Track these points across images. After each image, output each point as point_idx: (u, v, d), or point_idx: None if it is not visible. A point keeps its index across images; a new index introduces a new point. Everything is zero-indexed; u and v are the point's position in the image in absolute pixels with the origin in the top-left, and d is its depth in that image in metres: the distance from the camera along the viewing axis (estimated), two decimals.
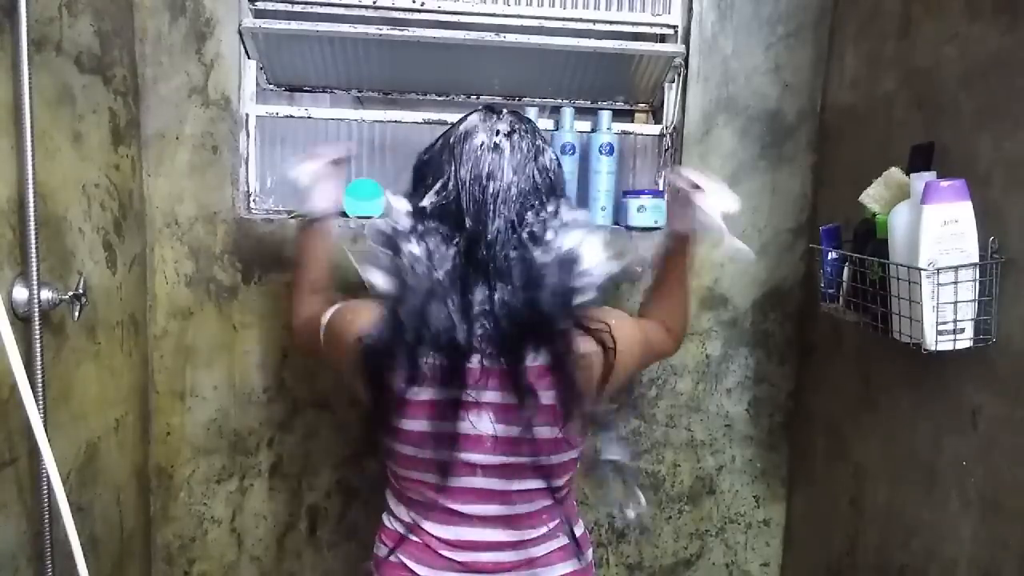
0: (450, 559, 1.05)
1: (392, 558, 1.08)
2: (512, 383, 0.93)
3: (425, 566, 1.05)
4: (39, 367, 1.01)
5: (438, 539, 1.05)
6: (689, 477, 1.68)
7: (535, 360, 0.94)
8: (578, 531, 1.13)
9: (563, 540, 1.09)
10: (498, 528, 1.04)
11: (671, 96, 1.61)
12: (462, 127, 0.98)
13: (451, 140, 0.98)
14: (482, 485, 1.01)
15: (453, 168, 0.95)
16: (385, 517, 1.11)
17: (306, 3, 1.50)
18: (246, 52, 1.49)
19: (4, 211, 0.98)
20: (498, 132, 0.96)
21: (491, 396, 0.96)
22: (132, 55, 1.38)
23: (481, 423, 0.96)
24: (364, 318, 0.95)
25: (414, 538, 1.06)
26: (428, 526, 1.05)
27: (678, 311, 1.20)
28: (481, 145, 0.95)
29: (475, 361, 0.93)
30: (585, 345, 0.95)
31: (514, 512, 1.04)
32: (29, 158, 0.98)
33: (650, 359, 1.15)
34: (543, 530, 1.07)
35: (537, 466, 1.00)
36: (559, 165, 1.03)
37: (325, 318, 1.03)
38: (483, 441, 0.97)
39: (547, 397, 0.95)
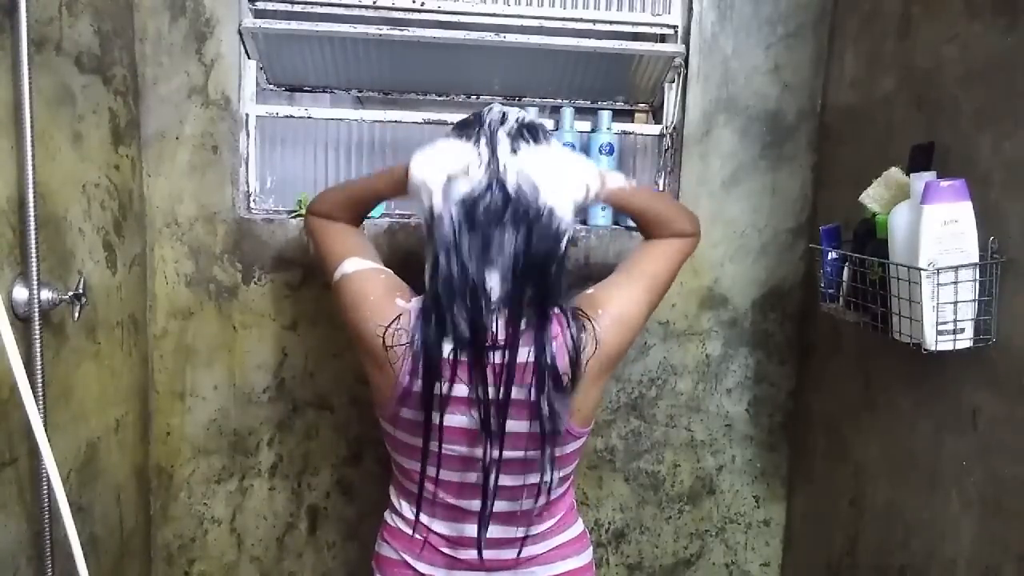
0: (452, 556, 1.05)
1: (394, 555, 1.08)
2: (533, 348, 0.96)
3: (426, 563, 1.06)
4: (39, 367, 1.01)
5: (440, 536, 1.05)
6: (689, 477, 1.68)
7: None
8: (577, 529, 1.13)
9: (563, 538, 1.10)
10: (499, 525, 1.04)
11: (671, 96, 1.61)
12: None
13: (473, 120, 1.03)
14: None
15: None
16: (387, 514, 1.12)
17: (306, 3, 1.50)
18: (246, 52, 1.49)
19: (4, 211, 0.98)
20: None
21: (493, 391, 0.96)
22: (132, 55, 1.38)
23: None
24: (381, 309, 1.00)
25: (416, 535, 1.06)
26: (431, 523, 1.05)
27: (670, 220, 1.16)
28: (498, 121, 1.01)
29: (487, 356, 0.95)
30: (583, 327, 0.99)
31: (515, 509, 1.04)
32: (29, 158, 0.98)
33: (668, 277, 1.13)
34: (543, 527, 1.07)
35: (540, 460, 1.00)
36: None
37: (340, 273, 1.06)
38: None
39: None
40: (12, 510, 1.01)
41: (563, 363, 0.96)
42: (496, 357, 0.96)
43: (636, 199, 1.14)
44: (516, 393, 0.96)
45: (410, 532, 1.07)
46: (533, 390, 0.95)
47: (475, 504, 1.02)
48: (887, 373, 1.32)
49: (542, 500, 1.05)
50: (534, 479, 1.03)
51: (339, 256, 1.08)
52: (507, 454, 0.99)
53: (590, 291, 1.07)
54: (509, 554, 1.06)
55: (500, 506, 1.03)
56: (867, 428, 1.38)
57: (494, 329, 0.96)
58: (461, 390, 0.96)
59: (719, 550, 1.72)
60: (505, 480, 1.02)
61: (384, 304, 1.00)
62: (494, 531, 1.04)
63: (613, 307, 1.03)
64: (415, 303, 1.00)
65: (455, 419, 0.98)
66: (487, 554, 1.04)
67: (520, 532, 1.05)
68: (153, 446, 1.51)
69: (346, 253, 1.08)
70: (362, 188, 1.14)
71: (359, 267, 1.06)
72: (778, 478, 1.71)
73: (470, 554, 1.05)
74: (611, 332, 1.01)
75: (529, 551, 1.06)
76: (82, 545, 0.92)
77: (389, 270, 1.07)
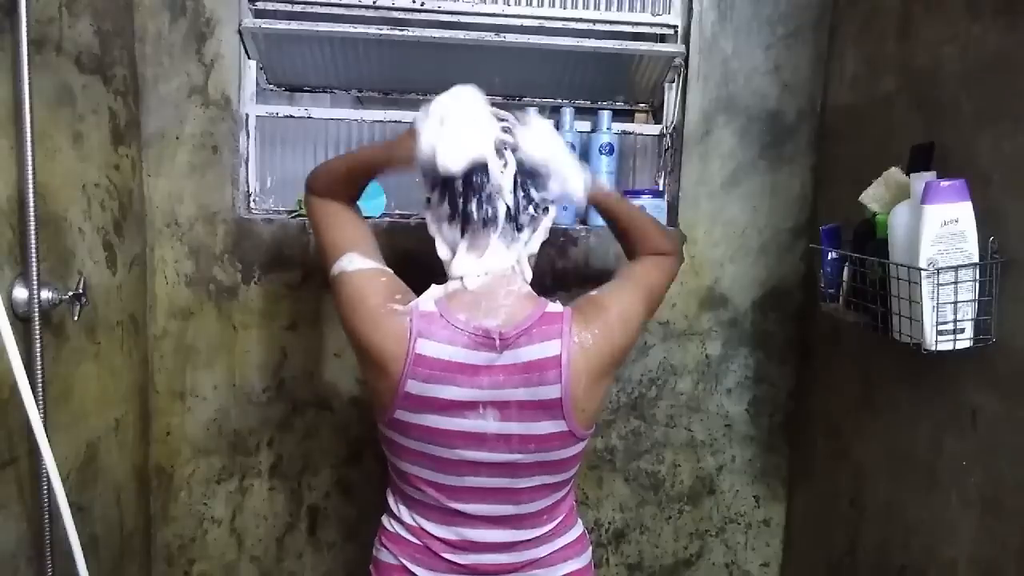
0: (451, 562, 1.04)
1: (392, 560, 1.07)
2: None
3: (425, 568, 1.05)
4: (39, 367, 1.01)
5: (440, 540, 1.05)
6: (689, 477, 1.68)
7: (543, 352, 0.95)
8: (577, 531, 1.13)
9: (564, 540, 1.09)
10: (500, 529, 1.04)
11: (671, 96, 1.61)
12: None
13: None
14: (486, 484, 1.01)
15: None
16: (385, 519, 1.11)
17: (306, 3, 1.50)
18: (246, 52, 1.49)
19: (4, 211, 0.98)
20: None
21: (495, 394, 0.96)
22: (132, 55, 1.38)
23: (486, 420, 0.97)
24: (380, 315, 0.99)
25: (415, 540, 1.06)
26: (430, 527, 1.05)
27: (651, 234, 1.16)
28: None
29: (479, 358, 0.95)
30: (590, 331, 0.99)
31: (517, 512, 1.04)
32: (29, 158, 0.98)
33: (662, 290, 1.14)
34: (545, 530, 1.07)
35: (542, 463, 1.00)
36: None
37: (338, 268, 1.04)
38: (486, 439, 0.98)
39: (553, 391, 0.96)
40: (12, 510, 1.01)
41: (566, 359, 0.96)
42: (504, 359, 0.95)
43: (623, 206, 1.16)
44: (521, 395, 0.96)
45: (409, 537, 1.06)
46: (538, 389, 0.95)
47: (475, 508, 1.02)
48: (887, 373, 1.32)
49: (544, 503, 1.05)
50: (535, 481, 1.02)
51: (340, 249, 1.05)
52: (507, 456, 0.99)
53: (593, 293, 1.06)
54: (510, 558, 1.05)
55: (502, 509, 1.03)
56: (867, 428, 1.38)
57: (496, 329, 0.96)
58: (463, 393, 0.96)
59: (719, 550, 1.72)
60: (503, 482, 1.01)
61: (382, 309, 0.98)
62: (495, 535, 1.04)
63: (619, 307, 1.03)
64: (415, 305, 0.99)
65: (455, 422, 0.97)
66: (488, 558, 1.03)
67: (523, 536, 1.05)
68: (153, 446, 1.51)
69: (347, 247, 1.05)
70: (364, 162, 1.10)
71: (359, 267, 1.03)
72: (778, 478, 1.71)
73: (470, 559, 1.04)
74: (618, 331, 1.01)
75: (531, 554, 1.06)
76: (82, 545, 0.92)
77: (390, 271, 1.05)
